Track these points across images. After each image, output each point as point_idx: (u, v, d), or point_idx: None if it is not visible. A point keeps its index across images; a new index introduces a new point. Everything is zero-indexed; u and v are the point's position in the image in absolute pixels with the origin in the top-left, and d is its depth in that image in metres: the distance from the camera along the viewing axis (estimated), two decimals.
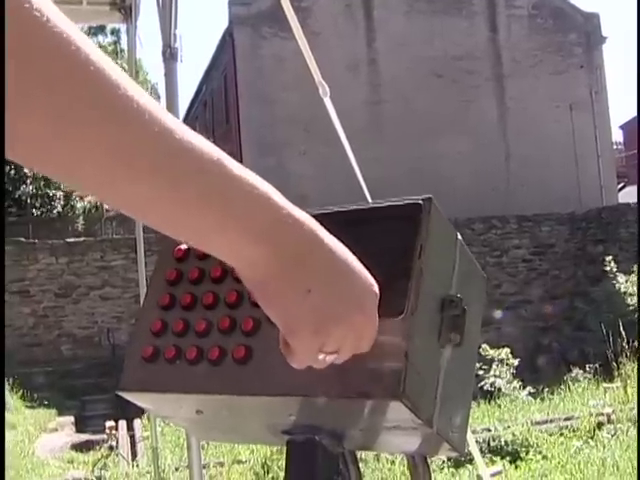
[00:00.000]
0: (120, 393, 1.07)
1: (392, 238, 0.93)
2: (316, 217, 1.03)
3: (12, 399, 14.34)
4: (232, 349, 0.97)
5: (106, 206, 23.61)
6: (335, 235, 0.98)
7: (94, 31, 37.86)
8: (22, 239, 18.40)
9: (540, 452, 9.29)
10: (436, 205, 0.94)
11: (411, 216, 0.93)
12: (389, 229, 0.94)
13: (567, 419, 10.45)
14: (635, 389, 10.08)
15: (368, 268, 0.94)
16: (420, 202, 0.94)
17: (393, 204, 0.96)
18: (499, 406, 11.44)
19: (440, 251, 0.96)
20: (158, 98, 44.19)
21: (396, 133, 22.75)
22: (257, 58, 23.03)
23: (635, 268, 13.36)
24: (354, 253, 0.96)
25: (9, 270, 18.00)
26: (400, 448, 1.13)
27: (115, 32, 38.27)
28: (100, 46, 37.69)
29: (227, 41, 24.35)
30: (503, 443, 9.37)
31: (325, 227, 1.00)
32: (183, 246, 1.10)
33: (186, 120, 31.21)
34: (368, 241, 0.95)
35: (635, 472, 7.24)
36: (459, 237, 1.00)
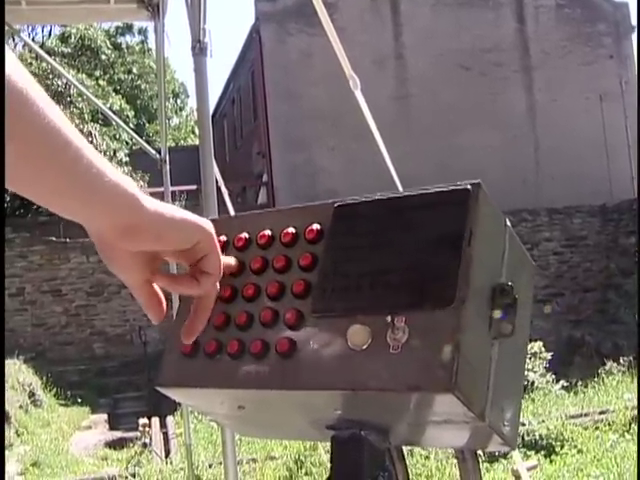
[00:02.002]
0: (159, 388, 1.05)
1: (440, 225, 0.90)
2: (361, 205, 1.00)
3: (46, 397, 14.46)
4: (275, 342, 0.95)
5: None
6: (383, 222, 0.96)
7: (121, 31, 38.11)
8: (53, 238, 18.52)
9: (575, 446, 9.22)
10: (485, 190, 0.91)
11: (459, 202, 0.89)
12: (436, 216, 0.91)
13: (602, 413, 10.37)
14: None
15: (416, 256, 0.91)
16: (468, 187, 0.90)
17: (440, 190, 0.93)
18: (533, 400, 11.36)
19: (489, 238, 0.92)
20: (187, 96, 44.38)
21: (424, 127, 22.65)
22: (284, 54, 23.02)
23: None
24: (401, 241, 0.93)
25: (41, 269, 18.16)
26: (449, 442, 1.09)
27: (142, 32, 38.54)
28: (128, 46, 37.99)
29: (254, 38, 24.34)
30: (538, 437, 9.32)
31: (373, 213, 0.97)
32: (222, 238, 1.07)
33: (214, 118, 31.28)
34: (415, 229, 0.92)
35: None
36: (508, 223, 0.96)
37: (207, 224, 0.94)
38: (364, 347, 0.88)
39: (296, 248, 1.01)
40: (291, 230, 1.02)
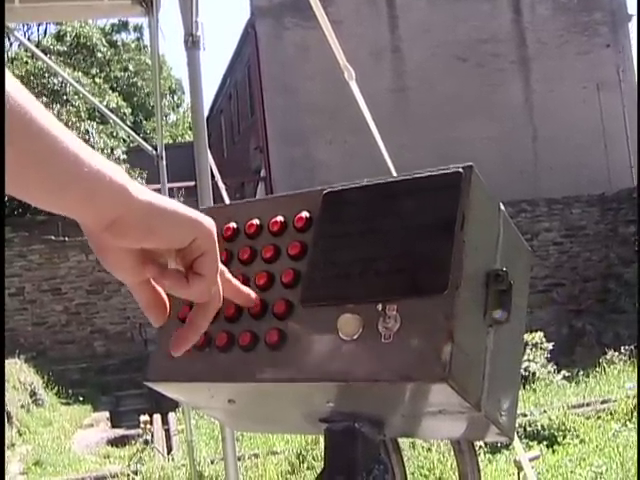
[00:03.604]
0: (148, 384, 1.03)
1: (431, 210, 0.88)
2: (350, 191, 0.98)
3: (47, 396, 14.45)
4: (264, 334, 0.93)
5: None
6: (373, 208, 0.93)
7: (117, 29, 38.11)
8: (52, 237, 18.50)
9: (577, 436, 9.22)
10: (477, 174, 0.88)
11: (452, 185, 0.87)
12: (428, 200, 0.89)
13: (604, 402, 10.36)
14: None
15: (407, 242, 0.88)
16: (460, 170, 0.88)
17: (432, 174, 0.90)
18: (534, 390, 11.36)
19: (483, 222, 0.90)
20: (184, 93, 44.34)
21: (422, 119, 22.61)
22: (280, 49, 22.97)
23: None
24: (392, 227, 0.91)
25: (41, 268, 18.14)
26: (445, 434, 1.07)
27: (138, 29, 38.52)
28: (123, 44, 37.97)
29: (249, 33, 24.29)
30: (539, 428, 9.31)
31: (362, 200, 0.95)
32: None
33: (211, 114, 31.24)
34: (406, 214, 0.90)
35: None
36: (502, 207, 0.94)
37: (207, 221, 0.85)
38: (355, 337, 0.86)
39: (285, 237, 0.98)
40: (280, 219, 0.99)
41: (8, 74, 0.72)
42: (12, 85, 0.72)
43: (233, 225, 1.03)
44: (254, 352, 0.93)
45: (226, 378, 0.96)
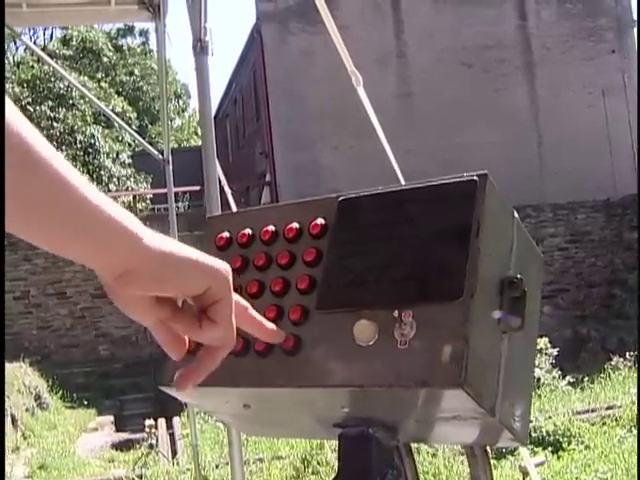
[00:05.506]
0: (163, 388, 1.03)
1: (446, 217, 0.89)
2: (366, 198, 0.98)
3: (52, 400, 14.45)
4: None
5: (139, 206, 23.73)
6: (388, 215, 0.94)
7: (123, 33, 38.17)
8: None
9: (582, 442, 9.18)
10: (492, 182, 0.89)
11: (466, 193, 0.88)
12: (443, 208, 0.90)
13: (609, 408, 10.34)
14: None
15: (422, 249, 0.89)
16: (475, 178, 0.89)
17: (447, 182, 0.91)
18: (539, 396, 11.33)
19: (497, 229, 0.91)
20: (189, 97, 44.39)
21: (427, 125, 22.60)
22: (286, 54, 22.98)
23: None
24: (407, 234, 0.92)
25: (46, 272, 18.16)
26: (458, 439, 1.08)
27: (144, 33, 38.61)
28: (129, 48, 38.04)
29: (255, 38, 24.32)
30: (545, 433, 9.28)
31: (377, 207, 0.96)
32: (225, 234, 1.05)
33: (217, 118, 31.28)
34: (421, 221, 0.90)
35: None
36: (516, 215, 0.95)
37: (223, 267, 0.82)
38: (371, 343, 0.87)
39: (300, 243, 0.99)
40: (295, 225, 1.00)
41: (10, 104, 0.68)
42: (13, 114, 0.68)
43: (248, 231, 1.04)
44: (270, 358, 0.94)
45: (241, 383, 0.96)
